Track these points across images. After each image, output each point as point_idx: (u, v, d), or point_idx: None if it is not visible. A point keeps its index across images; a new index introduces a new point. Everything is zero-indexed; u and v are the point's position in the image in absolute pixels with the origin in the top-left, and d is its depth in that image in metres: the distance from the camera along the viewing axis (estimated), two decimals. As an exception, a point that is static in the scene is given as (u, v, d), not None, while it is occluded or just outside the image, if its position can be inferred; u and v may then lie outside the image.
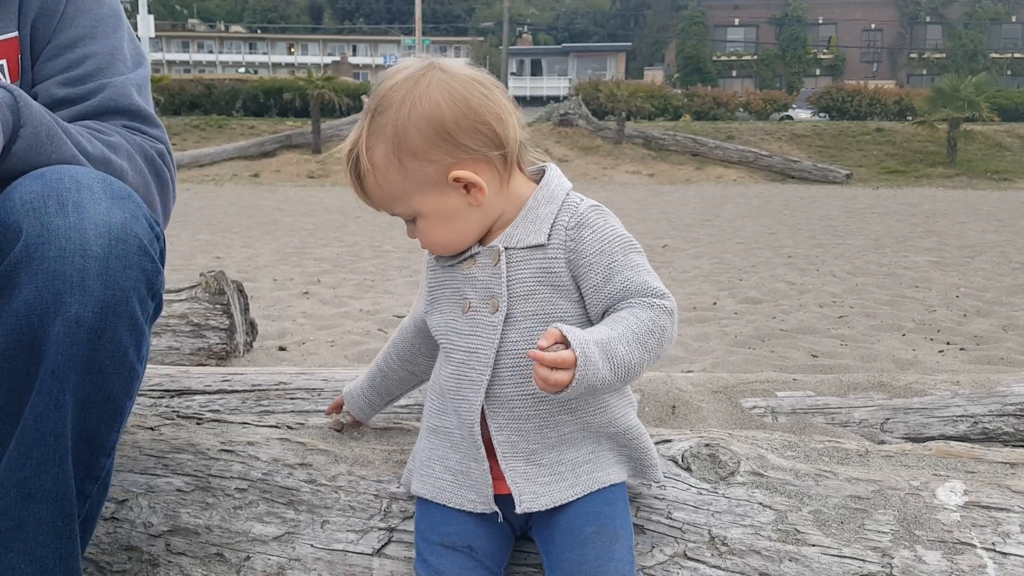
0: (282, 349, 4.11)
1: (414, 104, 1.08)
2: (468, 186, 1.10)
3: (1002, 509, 1.19)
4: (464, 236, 1.15)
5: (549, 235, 1.11)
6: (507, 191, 1.14)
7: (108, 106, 1.30)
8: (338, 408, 1.46)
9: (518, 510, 1.13)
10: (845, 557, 1.16)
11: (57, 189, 1.09)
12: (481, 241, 1.16)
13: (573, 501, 1.13)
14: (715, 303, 5.50)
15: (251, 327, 3.97)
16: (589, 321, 1.13)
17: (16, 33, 1.32)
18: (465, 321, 1.15)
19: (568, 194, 1.15)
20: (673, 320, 1.10)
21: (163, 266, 1.18)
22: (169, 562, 1.33)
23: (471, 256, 1.16)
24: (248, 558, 1.31)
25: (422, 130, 1.08)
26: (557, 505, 1.13)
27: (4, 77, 1.29)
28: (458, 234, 1.14)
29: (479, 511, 1.15)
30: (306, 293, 5.80)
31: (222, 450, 1.41)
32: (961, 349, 4.21)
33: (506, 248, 1.13)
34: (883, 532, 1.18)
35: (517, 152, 1.14)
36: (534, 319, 1.12)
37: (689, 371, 3.45)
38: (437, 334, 1.20)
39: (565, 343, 1.00)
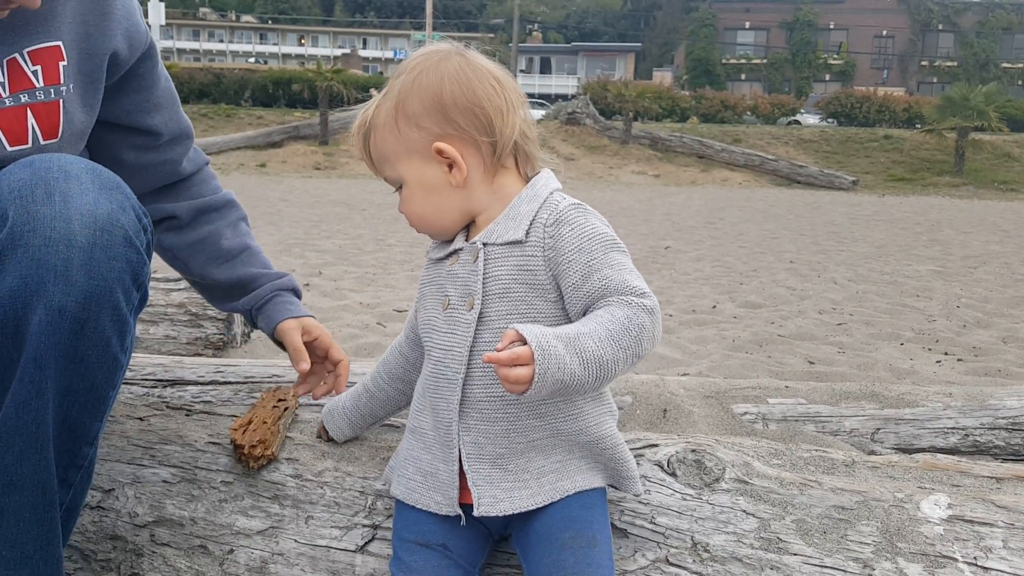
0: (280, 341, 4.10)
1: (423, 73, 1.13)
2: (451, 165, 1.13)
3: (985, 523, 1.19)
4: (442, 214, 1.16)
5: (528, 232, 1.11)
6: (494, 186, 1.15)
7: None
8: (322, 433, 1.43)
9: (475, 513, 1.12)
10: (826, 567, 1.16)
11: (45, 178, 1.09)
12: (467, 239, 1.17)
13: (549, 506, 1.12)
14: (715, 306, 5.49)
15: (250, 318, 3.97)
16: (568, 323, 1.10)
17: (57, 42, 1.30)
18: (444, 318, 1.16)
19: (552, 193, 1.14)
20: (654, 319, 1.06)
21: (150, 258, 1.18)
22: (153, 552, 1.33)
23: (455, 252, 1.17)
24: (232, 551, 1.31)
25: (421, 98, 1.13)
26: (516, 512, 1.12)
27: (38, 82, 1.28)
28: (435, 210, 1.16)
29: (444, 513, 1.15)
30: (307, 285, 5.79)
31: (209, 442, 1.41)
32: (959, 360, 4.20)
33: (485, 244, 1.13)
34: (865, 543, 1.17)
35: (511, 149, 1.14)
36: (508, 319, 1.10)
37: (685, 374, 3.45)
38: (421, 331, 1.21)
39: (523, 341, 0.99)
